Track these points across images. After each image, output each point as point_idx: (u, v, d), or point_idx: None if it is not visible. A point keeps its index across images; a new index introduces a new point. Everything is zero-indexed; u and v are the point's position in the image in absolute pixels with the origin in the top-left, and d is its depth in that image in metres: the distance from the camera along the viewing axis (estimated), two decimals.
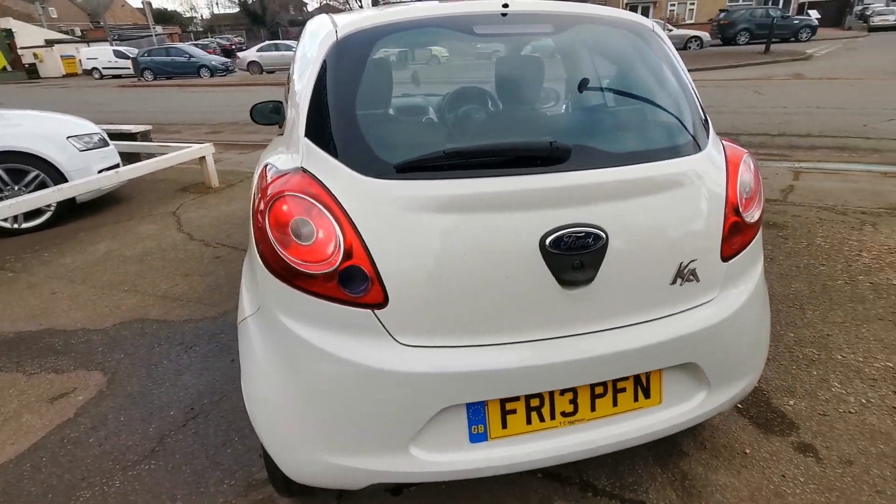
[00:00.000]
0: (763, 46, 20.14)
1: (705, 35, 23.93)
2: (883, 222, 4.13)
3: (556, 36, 1.52)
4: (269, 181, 1.32)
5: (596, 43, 1.53)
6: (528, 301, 1.25)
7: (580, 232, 1.22)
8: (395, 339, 1.23)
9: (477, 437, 1.32)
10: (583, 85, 1.50)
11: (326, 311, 1.24)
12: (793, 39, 25.22)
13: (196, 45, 29.82)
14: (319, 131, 1.32)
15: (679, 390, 1.45)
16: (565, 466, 1.84)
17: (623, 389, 1.39)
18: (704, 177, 1.39)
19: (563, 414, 1.36)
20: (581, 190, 1.25)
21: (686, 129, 1.45)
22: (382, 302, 1.21)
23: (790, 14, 29.82)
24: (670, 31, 23.37)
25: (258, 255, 1.32)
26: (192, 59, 24.50)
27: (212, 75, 23.89)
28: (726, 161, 1.47)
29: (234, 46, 36.20)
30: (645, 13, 36.51)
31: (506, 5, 1.47)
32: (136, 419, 2.19)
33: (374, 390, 1.25)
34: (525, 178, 1.23)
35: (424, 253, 1.21)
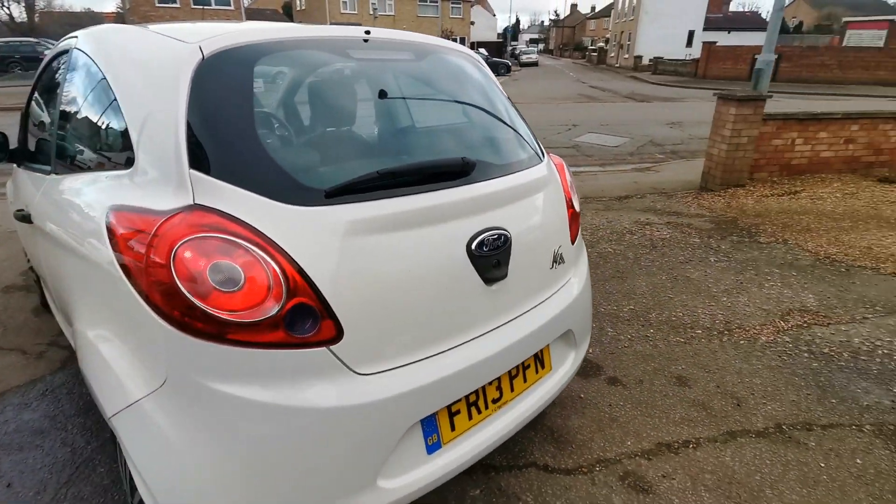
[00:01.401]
0: None
1: None
2: (585, 208, 5.54)
3: (419, 62, 1.65)
4: (156, 226, 1.07)
5: (451, 70, 1.71)
6: (462, 303, 1.35)
7: (494, 234, 1.38)
8: (354, 371, 1.16)
9: (433, 448, 1.34)
10: (458, 106, 1.66)
11: (274, 360, 1.08)
12: None
13: None
14: (215, 161, 1.13)
15: (560, 356, 1.76)
16: None
17: (528, 366, 1.61)
18: (551, 179, 1.72)
19: (493, 401, 1.49)
20: (487, 198, 1.41)
21: (529, 142, 1.77)
22: (335, 336, 1.13)
23: None
24: None
25: (157, 317, 1.06)
26: None
27: None
28: (555, 165, 1.84)
29: None
30: None
31: (368, 31, 1.52)
32: None
33: (338, 431, 1.15)
34: (446, 192, 1.32)
35: (369, 276, 1.18)
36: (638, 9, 38.54)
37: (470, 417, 1.43)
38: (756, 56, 24.22)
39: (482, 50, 39.85)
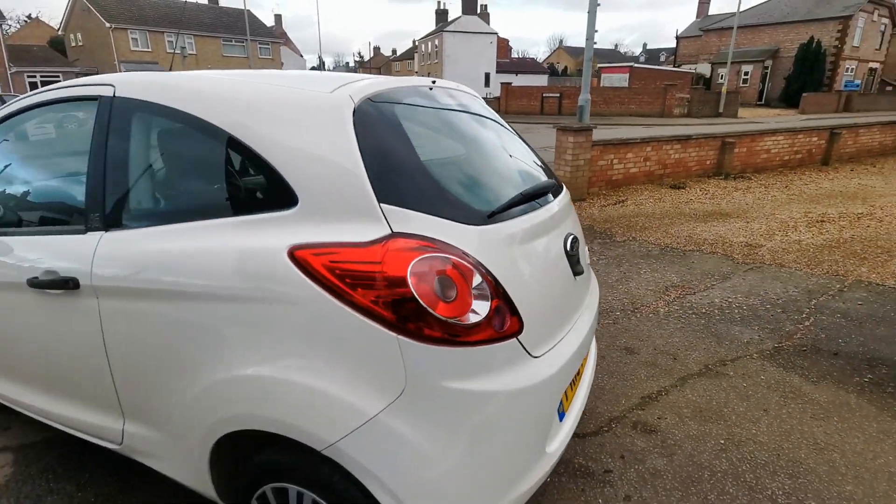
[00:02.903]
0: None
1: None
2: None
3: (473, 104, 1.93)
4: (381, 255, 1.20)
5: (488, 111, 2.02)
6: (567, 294, 1.68)
7: (573, 237, 1.75)
8: (531, 355, 1.41)
9: (562, 415, 1.63)
10: (508, 139, 1.96)
11: (486, 355, 1.28)
12: None
13: None
14: (401, 194, 1.29)
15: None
16: None
17: None
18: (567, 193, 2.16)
19: (578, 374, 1.83)
20: (562, 211, 1.77)
21: (552, 168, 2.19)
22: (520, 328, 1.37)
23: None
24: None
25: (394, 333, 1.18)
26: None
27: None
28: None
29: None
30: None
31: (434, 82, 1.79)
32: None
33: (530, 406, 1.38)
34: (547, 208, 1.66)
35: (525, 277, 1.44)
36: (440, 53, 42.61)
37: (572, 388, 1.75)
38: (544, 94, 28.43)
39: None
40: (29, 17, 49.61)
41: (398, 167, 1.34)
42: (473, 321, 1.26)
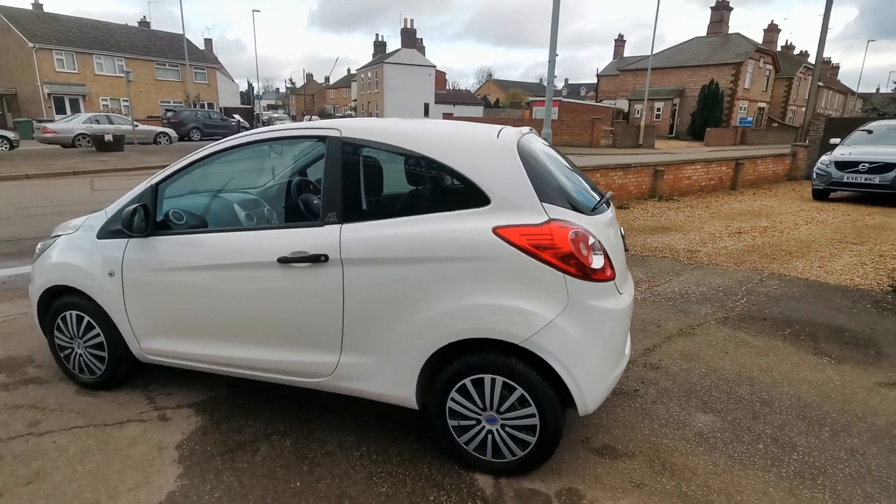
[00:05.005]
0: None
1: (172, 132, 25.10)
2: None
3: (548, 146, 2.93)
4: (552, 231, 2.12)
5: (555, 149, 3.03)
6: (623, 263, 2.68)
7: (622, 230, 2.77)
8: (619, 292, 2.38)
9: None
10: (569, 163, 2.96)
11: (603, 287, 2.23)
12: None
13: None
14: (550, 196, 2.23)
15: None
16: None
17: None
18: None
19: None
20: (614, 213, 2.80)
21: None
22: (614, 276, 2.34)
23: (224, 116, 35.21)
24: (136, 126, 23.19)
25: (560, 273, 2.11)
26: None
27: None
28: None
29: None
30: (75, 106, 33.67)
31: (530, 130, 2.79)
32: None
33: (622, 321, 2.35)
34: (608, 210, 2.67)
35: (610, 247, 2.42)
36: (381, 83, 43.96)
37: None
38: None
39: (236, 116, 39.09)
40: None
41: (546, 180, 2.30)
42: (596, 267, 2.23)
